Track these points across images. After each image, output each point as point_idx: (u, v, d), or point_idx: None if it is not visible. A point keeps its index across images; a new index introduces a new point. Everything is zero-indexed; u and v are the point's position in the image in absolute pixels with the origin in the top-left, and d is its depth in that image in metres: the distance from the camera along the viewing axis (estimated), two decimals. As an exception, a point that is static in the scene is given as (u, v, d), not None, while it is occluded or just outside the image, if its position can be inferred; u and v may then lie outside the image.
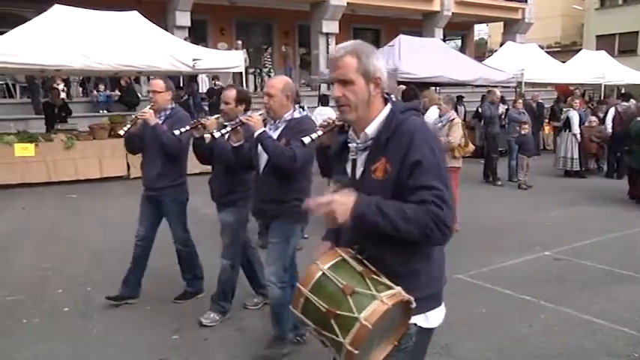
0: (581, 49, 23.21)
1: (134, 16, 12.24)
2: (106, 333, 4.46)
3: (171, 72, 12.60)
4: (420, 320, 2.14)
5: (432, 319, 2.19)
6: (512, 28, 26.54)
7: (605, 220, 8.46)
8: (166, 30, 14.45)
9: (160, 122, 4.79)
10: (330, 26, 20.90)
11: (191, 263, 5.12)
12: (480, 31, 36.51)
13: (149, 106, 4.84)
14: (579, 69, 18.36)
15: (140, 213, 5.00)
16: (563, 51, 31.75)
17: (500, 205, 9.67)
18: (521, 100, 12.17)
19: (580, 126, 12.47)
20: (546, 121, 16.91)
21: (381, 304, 1.87)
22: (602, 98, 17.64)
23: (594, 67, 18.40)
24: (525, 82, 16.06)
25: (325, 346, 2.02)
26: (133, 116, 4.92)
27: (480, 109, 13.75)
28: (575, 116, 12.47)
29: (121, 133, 4.91)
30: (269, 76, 20.11)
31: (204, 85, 17.82)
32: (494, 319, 4.77)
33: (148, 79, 18.03)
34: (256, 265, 4.94)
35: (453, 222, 1.99)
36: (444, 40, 21.33)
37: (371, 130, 2.16)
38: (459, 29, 27.38)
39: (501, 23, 27.69)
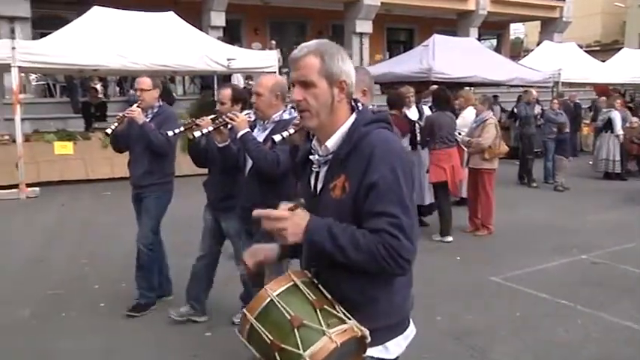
0: (622, 48, 22.61)
1: (170, 16, 12.42)
2: (139, 329, 4.53)
3: (205, 71, 12.79)
4: (377, 352, 1.93)
5: (392, 349, 1.98)
6: (550, 27, 26.03)
7: (646, 223, 8.23)
8: (201, 30, 14.61)
9: (148, 120, 4.68)
10: (364, 26, 20.85)
11: (149, 271, 4.85)
12: (516, 30, 35.95)
13: (136, 104, 4.71)
14: (620, 68, 17.90)
15: (136, 215, 4.95)
16: (604, 50, 30.93)
17: (535, 207, 9.49)
18: (556, 101, 11.95)
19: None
20: (586, 121, 16.55)
21: (329, 342, 1.70)
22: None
23: (636, 67, 17.91)
24: (563, 82, 15.74)
25: None
26: (120, 115, 4.81)
27: (514, 110, 13.55)
28: (617, 117, 12.18)
29: (108, 132, 4.73)
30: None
31: (238, 84, 17.95)
32: (529, 323, 4.67)
33: (183, 79, 18.34)
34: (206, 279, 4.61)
35: (413, 253, 1.79)
36: (479, 40, 21.05)
37: (332, 142, 1.95)
38: (494, 28, 27.00)
39: (538, 22, 27.20)
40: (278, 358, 1.74)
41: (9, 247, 6.90)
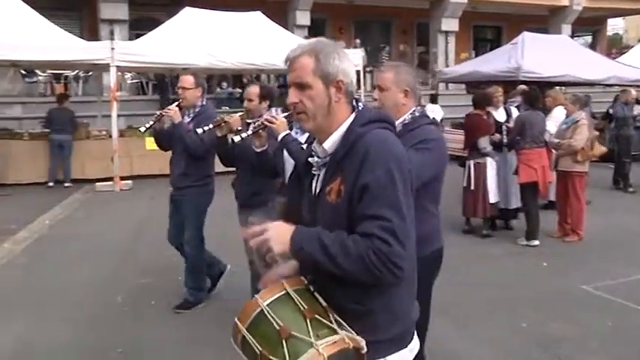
0: None
1: (257, 16, 12.71)
2: (222, 319, 4.66)
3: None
4: None
5: None
6: (652, 23, 24.47)
7: None
8: (287, 29, 14.84)
9: (188, 120, 4.60)
10: (450, 24, 20.44)
11: (196, 271, 4.88)
12: (615, 25, 33.98)
13: (176, 103, 4.62)
14: None
15: (169, 214, 4.95)
16: None
17: (631, 213, 8.93)
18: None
19: None
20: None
21: (316, 355, 1.63)
22: None
23: None
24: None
25: None
26: (158, 113, 4.73)
27: (610, 110, 12.82)
28: None
29: (142, 129, 4.65)
30: (386, 74, 20.02)
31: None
32: (620, 334, 4.42)
33: (268, 77, 18.68)
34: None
35: (405, 259, 1.71)
36: (573, 37, 20.09)
37: (329, 144, 1.88)
38: (589, 24, 25.66)
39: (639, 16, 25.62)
40: None
41: (104, 237, 7.29)
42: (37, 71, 15.70)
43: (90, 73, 16.03)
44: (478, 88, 12.13)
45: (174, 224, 4.88)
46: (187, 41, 11.18)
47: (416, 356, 2.01)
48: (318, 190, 1.91)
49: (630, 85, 12.73)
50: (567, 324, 4.59)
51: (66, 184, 11.08)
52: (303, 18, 18.52)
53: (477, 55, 20.30)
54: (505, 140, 7.35)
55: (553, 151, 7.37)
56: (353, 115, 1.88)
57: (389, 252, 1.67)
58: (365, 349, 1.72)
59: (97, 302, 5.02)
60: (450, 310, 4.94)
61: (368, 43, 20.20)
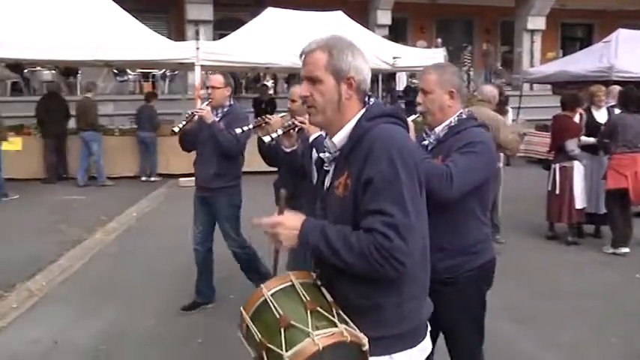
0: None
1: (339, 15, 12.75)
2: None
3: (373, 70, 12.89)
4: None
5: None
6: None
7: None
8: (368, 28, 14.81)
9: (217, 119, 4.51)
10: (536, 22, 19.70)
11: (252, 264, 4.87)
12: None
13: (206, 103, 4.58)
14: None
15: (195, 216, 4.86)
16: None
17: None
18: None
19: None
20: None
21: (311, 345, 1.63)
22: None
23: None
24: None
25: None
26: (189, 112, 4.65)
27: None
28: None
29: (175, 130, 4.58)
30: (468, 74, 19.56)
31: (400, 83, 17.94)
32: None
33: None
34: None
35: (407, 254, 1.69)
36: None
37: (338, 139, 1.90)
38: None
39: None
40: (265, 357, 1.71)
41: (185, 230, 7.51)
42: (128, 70, 16.48)
43: (176, 72, 16.66)
44: (565, 88, 11.63)
45: (204, 227, 4.84)
46: (270, 41, 11.37)
47: None
48: (328, 185, 1.93)
49: None
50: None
51: (152, 179, 11.58)
52: (384, 17, 18.42)
53: (564, 55, 19.47)
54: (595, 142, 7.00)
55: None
56: (362, 110, 1.88)
57: (390, 247, 1.67)
58: (366, 346, 1.72)
59: (178, 293, 5.19)
60: (530, 319, 4.78)
61: (449, 43, 19.77)
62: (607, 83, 10.20)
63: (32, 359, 4.13)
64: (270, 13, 12.45)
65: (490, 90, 6.63)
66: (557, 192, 6.87)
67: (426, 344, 1.94)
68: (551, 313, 4.91)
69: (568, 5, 20.62)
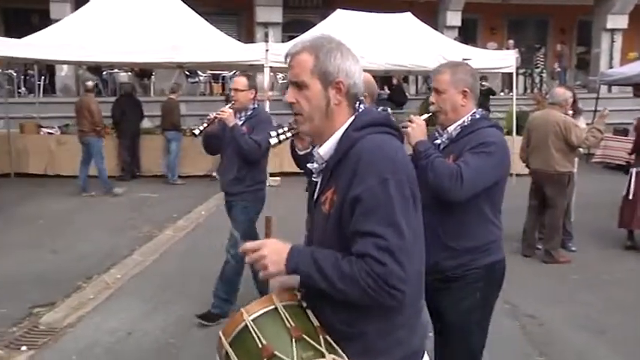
0: None
1: (407, 17, 12.63)
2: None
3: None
4: None
5: None
6: None
7: None
8: (436, 30, 14.60)
9: (240, 123, 4.39)
10: (618, 21, 18.76)
11: (231, 282, 4.63)
12: None
13: (229, 105, 4.46)
14: None
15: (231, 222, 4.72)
16: None
17: None
18: None
19: None
20: None
21: None
22: None
23: None
24: None
25: None
26: (211, 115, 4.51)
27: None
28: None
29: (196, 132, 4.50)
30: (541, 77, 18.95)
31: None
32: None
33: (416, 79, 18.53)
34: None
35: (404, 280, 1.55)
36: None
37: (324, 150, 1.74)
38: None
39: None
40: None
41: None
42: (199, 72, 16.93)
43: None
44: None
45: (231, 234, 4.74)
46: (337, 42, 11.39)
47: None
48: (315, 199, 1.79)
49: None
50: None
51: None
52: (454, 19, 18.09)
53: (648, 56, 18.50)
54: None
55: None
56: (351, 119, 1.72)
57: (385, 273, 1.53)
58: None
59: (246, 290, 5.27)
60: (605, 330, 4.60)
61: (522, 44, 19.22)
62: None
63: (109, 348, 4.30)
64: (339, 14, 12.48)
65: (562, 92, 6.40)
66: (631, 197, 6.58)
67: None
68: (627, 325, 4.70)
69: (652, 3, 19.60)
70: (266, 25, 17.20)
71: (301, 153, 3.33)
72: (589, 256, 6.49)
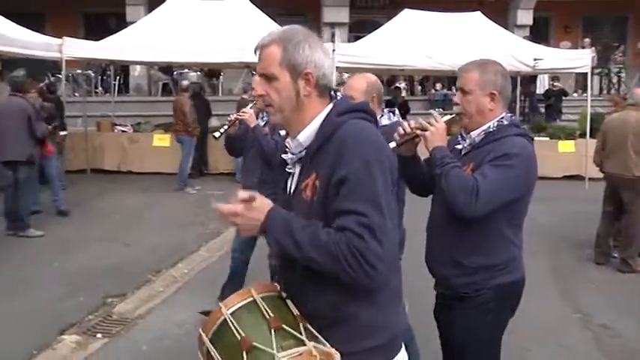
0: None
1: (477, 16, 12.38)
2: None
3: (509, 72, 12.40)
4: None
5: None
6: None
7: None
8: (506, 29, 14.24)
9: (262, 124, 4.29)
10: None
11: (236, 278, 4.63)
12: None
13: (250, 106, 4.37)
14: None
15: None
16: None
17: None
18: None
19: None
20: None
21: None
22: None
23: None
24: None
25: None
26: (232, 116, 4.45)
27: None
28: None
29: (216, 135, 4.45)
30: (618, 77, 18.15)
31: (542, 86, 17.05)
32: None
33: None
34: None
35: (381, 257, 1.54)
36: None
37: (304, 137, 1.74)
38: None
39: None
40: None
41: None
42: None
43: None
44: None
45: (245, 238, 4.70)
46: (405, 43, 11.30)
47: None
48: (293, 189, 1.79)
49: None
50: None
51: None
52: (526, 17, 17.61)
53: None
54: None
55: None
56: (330, 106, 1.74)
57: (364, 248, 1.53)
58: None
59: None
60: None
61: (598, 42, 18.47)
62: None
63: (177, 340, 4.43)
64: (406, 14, 12.37)
65: (643, 93, 6.11)
66: None
67: (402, 356, 1.80)
68: None
69: None
70: (333, 25, 17.28)
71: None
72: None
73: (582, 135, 11.57)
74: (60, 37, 10.83)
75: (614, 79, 18.20)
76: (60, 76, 12.00)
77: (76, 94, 15.31)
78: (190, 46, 10.57)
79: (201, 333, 1.66)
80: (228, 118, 4.50)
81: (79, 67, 15.80)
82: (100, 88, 17.19)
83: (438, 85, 17.66)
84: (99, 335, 4.47)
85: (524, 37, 14.72)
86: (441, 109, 16.47)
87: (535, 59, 11.44)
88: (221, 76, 17.22)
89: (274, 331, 1.57)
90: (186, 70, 16.60)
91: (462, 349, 2.55)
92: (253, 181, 4.37)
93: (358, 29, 17.13)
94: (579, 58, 11.81)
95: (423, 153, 2.58)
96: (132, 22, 13.29)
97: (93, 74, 16.82)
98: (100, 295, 5.25)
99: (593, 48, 13.30)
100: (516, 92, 14.00)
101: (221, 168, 12.08)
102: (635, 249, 6.13)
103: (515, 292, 2.53)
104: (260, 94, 1.76)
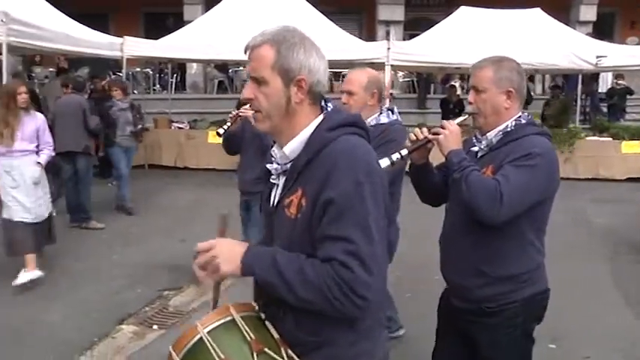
0: None
1: (536, 13, 12.07)
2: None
3: (570, 70, 12.07)
4: None
5: None
6: None
7: None
8: (568, 26, 13.80)
9: None
10: None
11: None
12: None
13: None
14: None
15: (242, 223, 4.68)
16: None
17: None
18: None
19: None
20: None
21: None
22: None
23: None
24: None
25: None
26: (233, 113, 4.42)
27: None
28: None
29: (220, 132, 4.43)
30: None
31: (605, 85, 16.45)
32: None
33: (543, 78, 17.64)
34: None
35: (371, 288, 1.44)
36: None
37: (290, 148, 1.60)
38: None
39: None
40: None
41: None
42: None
43: (365, 72, 17.02)
44: None
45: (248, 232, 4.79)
46: (461, 41, 11.12)
47: None
48: (276, 202, 1.67)
49: None
50: None
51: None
52: (589, 13, 17.01)
53: None
54: None
55: None
56: (321, 117, 1.61)
57: (352, 280, 1.43)
58: None
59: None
60: None
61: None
62: None
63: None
64: (463, 12, 12.18)
65: None
66: None
67: None
68: None
69: None
70: (388, 23, 17.16)
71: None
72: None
73: (648, 136, 11.14)
74: (121, 37, 11.18)
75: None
76: (120, 74, 12.37)
77: (135, 91, 15.73)
78: (245, 43, 10.70)
79: (172, 351, 1.54)
80: (230, 115, 4.48)
81: (138, 65, 16.26)
82: (158, 86, 17.64)
83: (495, 84, 17.29)
84: (155, 327, 4.60)
85: (587, 34, 14.23)
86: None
87: (598, 57, 11.05)
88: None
89: (256, 355, 1.48)
90: (241, 68, 16.83)
91: None
92: (252, 178, 4.34)
93: (413, 27, 16.95)
94: (644, 56, 11.34)
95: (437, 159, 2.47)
96: (189, 21, 13.57)
97: (151, 72, 17.28)
98: (156, 287, 5.40)
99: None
100: (577, 91, 13.57)
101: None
102: None
103: (542, 303, 2.42)
104: (248, 98, 1.62)
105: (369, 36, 17.09)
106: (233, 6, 11.84)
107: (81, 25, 10.36)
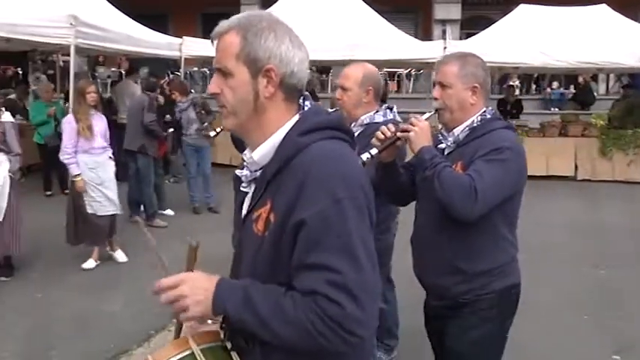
0: None
1: (601, 9, 11.63)
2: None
3: (636, 69, 11.60)
4: None
5: None
6: None
7: None
8: (637, 22, 13.25)
9: None
10: None
11: None
12: None
13: None
14: None
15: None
16: None
17: None
18: None
19: None
20: None
21: None
22: None
23: None
24: None
25: None
26: None
27: None
28: None
29: (211, 134, 4.39)
30: None
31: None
32: None
33: (607, 77, 17.01)
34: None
35: (363, 323, 1.24)
36: None
37: (260, 154, 1.39)
38: None
39: None
40: None
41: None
42: (375, 69, 17.22)
43: (421, 72, 16.87)
44: None
45: None
46: (520, 39, 10.85)
47: None
48: (245, 214, 1.46)
49: None
50: None
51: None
52: (658, 9, 16.28)
53: None
54: None
55: None
56: (295, 119, 1.39)
57: (340, 316, 1.22)
58: None
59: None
60: None
61: None
62: None
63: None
64: (523, 10, 11.85)
65: None
66: None
67: None
68: None
69: None
70: (444, 22, 16.94)
71: None
72: None
73: None
74: (180, 37, 11.43)
75: None
76: (179, 73, 12.66)
77: (192, 90, 16.05)
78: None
79: None
80: None
81: (195, 64, 16.60)
82: (215, 85, 17.97)
83: (555, 84, 16.80)
84: (209, 322, 4.67)
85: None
86: (557, 109, 15.68)
87: (666, 54, 10.57)
88: (330, 73, 17.43)
89: None
90: (296, 68, 16.97)
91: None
92: None
93: (470, 26, 16.65)
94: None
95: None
96: (247, 22, 13.75)
97: (208, 72, 17.61)
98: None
99: None
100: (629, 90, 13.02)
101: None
102: None
103: (515, 296, 2.40)
104: (213, 92, 1.42)
105: (425, 35, 16.90)
106: (289, 6, 11.93)
107: (141, 25, 10.65)
